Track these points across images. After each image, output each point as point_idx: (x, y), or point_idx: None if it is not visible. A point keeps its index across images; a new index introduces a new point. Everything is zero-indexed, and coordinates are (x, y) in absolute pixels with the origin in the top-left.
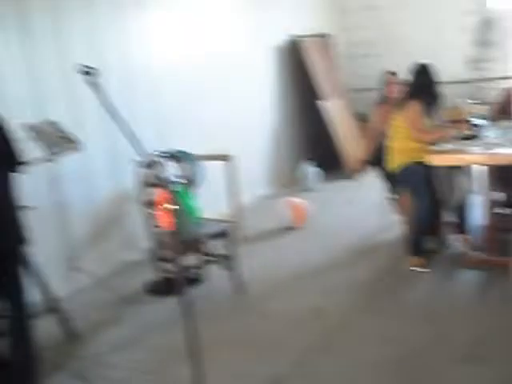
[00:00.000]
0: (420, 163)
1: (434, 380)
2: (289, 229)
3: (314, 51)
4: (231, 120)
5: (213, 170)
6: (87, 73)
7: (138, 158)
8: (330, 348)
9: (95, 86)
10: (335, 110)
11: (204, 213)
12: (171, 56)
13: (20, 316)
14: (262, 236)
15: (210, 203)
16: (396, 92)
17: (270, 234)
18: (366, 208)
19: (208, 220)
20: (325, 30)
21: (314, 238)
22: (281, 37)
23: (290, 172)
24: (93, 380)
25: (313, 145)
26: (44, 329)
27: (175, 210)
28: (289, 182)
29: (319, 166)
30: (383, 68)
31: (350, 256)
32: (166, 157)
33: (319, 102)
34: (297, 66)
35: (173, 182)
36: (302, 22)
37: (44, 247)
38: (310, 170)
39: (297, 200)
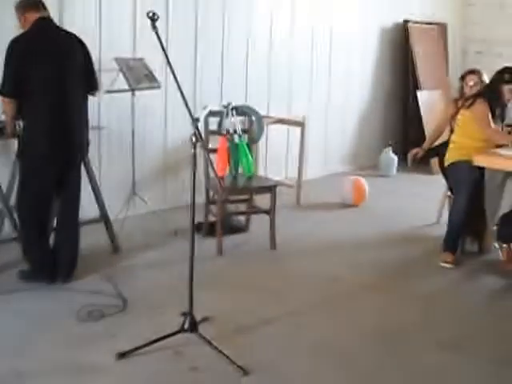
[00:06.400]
0: (469, 162)
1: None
2: (347, 206)
3: (423, 39)
4: (317, 93)
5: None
6: (153, 18)
7: (208, 107)
8: (327, 308)
9: (156, 31)
10: (432, 102)
11: (267, 171)
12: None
13: (72, 217)
14: (317, 206)
15: (277, 165)
16: (472, 90)
17: (325, 206)
18: (431, 201)
19: (260, 176)
20: (444, 20)
21: (365, 217)
22: (392, 19)
23: (370, 155)
24: (119, 285)
25: (399, 132)
26: (94, 237)
27: (231, 158)
28: (366, 165)
29: (401, 154)
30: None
31: (390, 239)
32: (232, 109)
33: (418, 91)
34: (402, 52)
35: (234, 133)
36: (419, 8)
37: (109, 167)
38: (390, 157)
39: (361, 180)
